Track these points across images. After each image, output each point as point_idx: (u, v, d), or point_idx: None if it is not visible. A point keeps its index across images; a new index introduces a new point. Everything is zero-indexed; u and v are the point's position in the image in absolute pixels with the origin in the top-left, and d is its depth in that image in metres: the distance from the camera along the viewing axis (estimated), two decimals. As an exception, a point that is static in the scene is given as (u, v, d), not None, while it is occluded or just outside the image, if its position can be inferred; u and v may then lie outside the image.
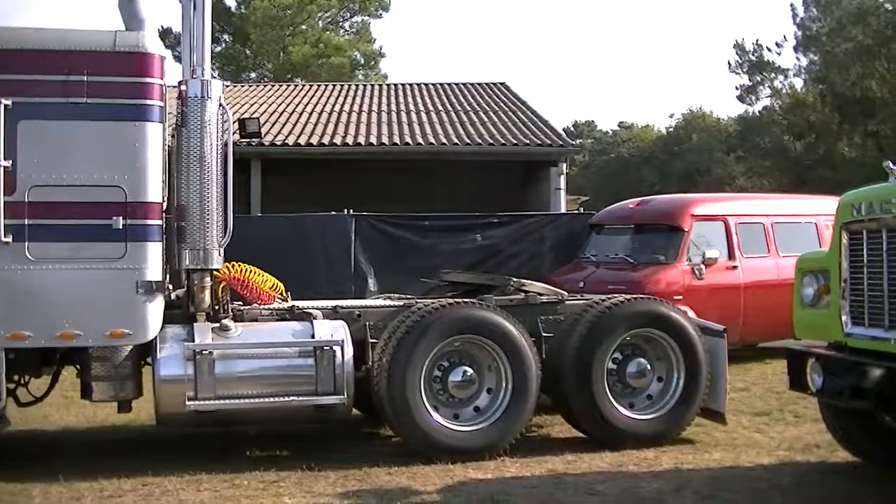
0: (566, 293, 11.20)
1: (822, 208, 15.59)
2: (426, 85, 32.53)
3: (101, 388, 9.62)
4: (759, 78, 68.32)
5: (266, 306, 10.36)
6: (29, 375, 9.89)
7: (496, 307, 10.31)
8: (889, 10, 51.43)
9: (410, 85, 32.68)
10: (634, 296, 10.97)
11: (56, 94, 9.14)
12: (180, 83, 10.10)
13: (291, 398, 9.67)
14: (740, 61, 69.50)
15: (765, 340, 15.76)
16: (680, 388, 10.52)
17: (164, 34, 45.02)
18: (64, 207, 9.11)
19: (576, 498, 8.52)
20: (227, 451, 10.31)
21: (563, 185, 24.37)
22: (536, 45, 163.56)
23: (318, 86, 34.91)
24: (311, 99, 30.72)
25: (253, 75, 57.85)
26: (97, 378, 9.56)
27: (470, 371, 10.08)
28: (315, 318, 10.06)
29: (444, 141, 24.13)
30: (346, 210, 18.62)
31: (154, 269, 9.35)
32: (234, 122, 14.50)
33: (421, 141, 24.09)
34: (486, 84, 32.53)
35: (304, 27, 57.32)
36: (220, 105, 10.03)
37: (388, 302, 11.11)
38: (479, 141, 24.15)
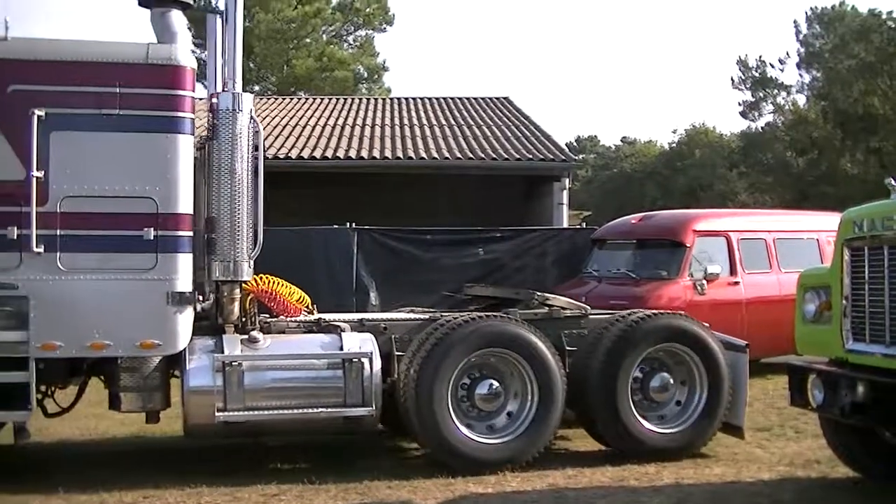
0: (589, 307, 11.30)
1: (823, 224, 15.61)
2: (429, 99, 32.55)
3: (130, 398, 9.69)
4: (761, 94, 68.54)
5: (293, 318, 10.43)
6: (57, 386, 9.93)
7: (523, 321, 10.38)
8: (892, 27, 51.59)
9: (414, 99, 32.70)
10: (659, 311, 11.07)
11: (89, 105, 9.22)
12: (211, 96, 10.22)
13: (320, 410, 9.75)
14: (743, 77, 69.75)
15: (766, 356, 15.73)
16: (702, 403, 10.60)
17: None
18: (95, 218, 9.17)
19: (577, 512, 8.53)
20: (229, 465, 10.30)
21: (565, 199, 24.36)
22: (540, 59, 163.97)
23: (322, 99, 34.95)
24: (314, 112, 30.74)
25: (256, 88, 57.90)
26: (126, 389, 9.63)
27: (496, 384, 10.13)
28: (343, 331, 10.13)
29: (447, 155, 24.13)
30: (348, 224, 18.63)
31: (184, 280, 9.42)
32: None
33: (424, 155, 24.09)
34: (490, 98, 32.54)
35: (307, 41, 57.41)
36: (251, 118, 10.13)
37: (412, 315, 11.21)
38: (482, 155, 24.15)
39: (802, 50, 67.75)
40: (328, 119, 28.98)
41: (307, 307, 10.66)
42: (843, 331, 8.38)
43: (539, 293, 11.37)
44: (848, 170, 49.71)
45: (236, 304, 10.08)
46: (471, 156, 24.13)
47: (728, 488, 9.33)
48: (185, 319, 9.44)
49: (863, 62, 50.78)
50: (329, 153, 23.82)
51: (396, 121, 28.72)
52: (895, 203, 8.21)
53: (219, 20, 10.45)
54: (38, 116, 8.98)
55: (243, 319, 10.13)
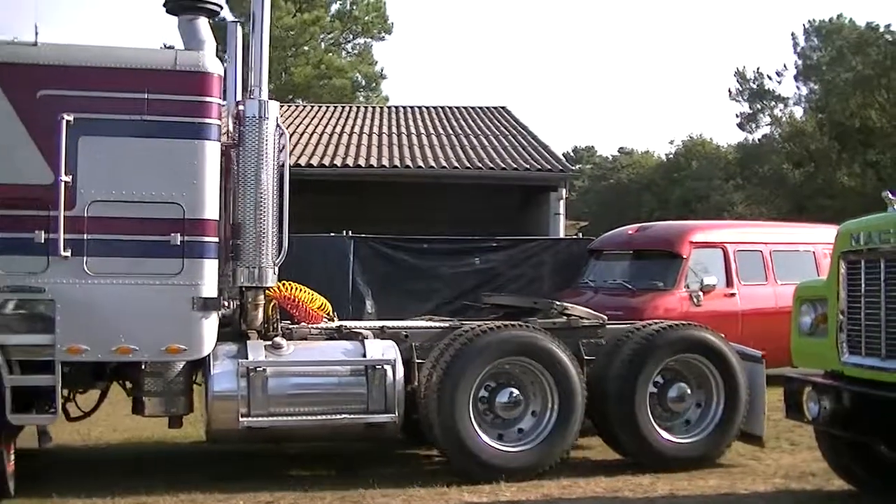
0: (606, 317, 11.37)
1: (820, 237, 15.63)
2: (427, 108, 32.56)
3: (154, 403, 9.77)
4: (759, 106, 68.66)
5: (314, 325, 10.50)
6: (81, 390, 9.95)
7: (543, 330, 10.44)
8: (889, 40, 51.69)
9: (411, 108, 32.70)
10: (677, 322, 11.15)
11: (117, 110, 9.29)
12: (238, 103, 10.31)
13: (343, 416, 9.85)
14: (741, 89, 69.87)
15: (762, 368, 15.75)
16: (720, 413, 10.70)
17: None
18: (122, 223, 9.23)
19: (570, 523, 8.53)
20: (223, 472, 10.30)
21: (562, 209, 24.35)
22: (538, 69, 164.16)
23: (320, 107, 34.94)
24: (311, 120, 30.72)
25: (254, 95, 57.94)
26: (149, 393, 9.71)
27: (516, 392, 10.21)
28: (366, 338, 10.20)
29: (444, 164, 24.13)
30: (345, 231, 18.62)
31: (210, 285, 9.48)
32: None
33: (421, 164, 24.08)
34: (487, 108, 32.54)
35: (306, 48, 57.41)
36: (277, 125, 10.20)
37: (432, 323, 11.30)
38: (479, 165, 24.14)
39: (800, 62, 67.87)
40: (326, 127, 28.96)
41: (328, 314, 10.75)
42: (838, 343, 8.38)
43: (558, 302, 11.48)
44: (845, 182, 49.76)
45: (260, 311, 10.19)
46: (468, 165, 24.13)
47: (722, 500, 9.33)
48: (210, 325, 9.50)
49: (860, 75, 50.88)
50: (326, 161, 23.81)
51: (394, 129, 28.71)
52: (892, 216, 8.21)
53: (239, 28, 10.51)
54: (67, 121, 9.04)
55: (266, 326, 10.22)
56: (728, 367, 10.67)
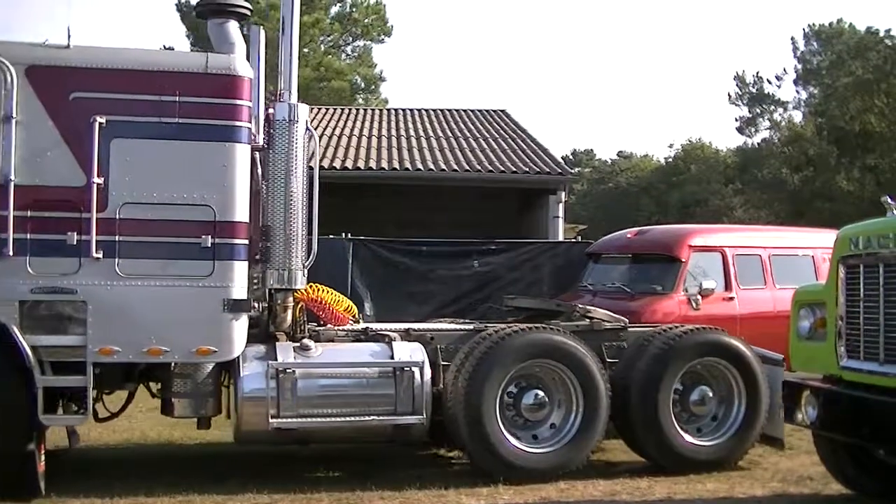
0: (627, 320, 11.50)
1: (819, 241, 15.59)
2: (426, 111, 32.52)
3: (183, 404, 9.85)
4: (758, 110, 68.75)
5: (341, 327, 10.59)
6: (107, 391, 9.98)
7: (569, 333, 10.51)
8: (889, 45, 51.67)
9: (411, 110, 32.67)
10: (699, 326, 11.23)
11: (149, 113, 9.35)
12: (268, 106, 10.36)
13: (371, 418, 9.95)
14: (740, 93, 70.02)
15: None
16: (741, 416, 10.78)
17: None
18: (154, 225, 9.29)
19: (568, 526, 8.53)
20: (222, 473, 10.30)
21: (561, 213, 24.37)
22: (537, 72, 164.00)
23: (319, 109, 34.94)
24: (311, 122, 30.71)
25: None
26: (179, 395, 9.78)
27: (541, 394, 10.30)
28: (393, 340, 10.27)
29: (444, 167, 24.13)
30: (344, 234, 18.61)
31: (240, 287, 9.54)
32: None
33: (420, 166, 24.08)
34: (486, 111, 32.52)
35: (305, 50, 57.39)
36: (307, 128, 10.30)
37: (456, 326, 11.37)
38: (479, 168, 24.15)
39: (800, 66, 68.02)
40: (325, 129, 28.95)
41: (353, 316, 10.86)
42: (837, 348, 8.40)
43: (580, 305, 11.57)
44: (844, 187, 49.74)
45: (289, 313, 10.28)
46: (467, 168, 24.13)
47: (720, 504, 9.35)
48: (240, 326, 9.56)
49: (860, 79, 50.86)
50: (325, 163, 23.77)
51: (393, 132, 28.71)
52: (891, 221, 8.23)
53: (262, 32, 10.56)
54: (100, 124, 9.11)
55: (294, 328, 10.31)
56: (749, 370, 10.76)
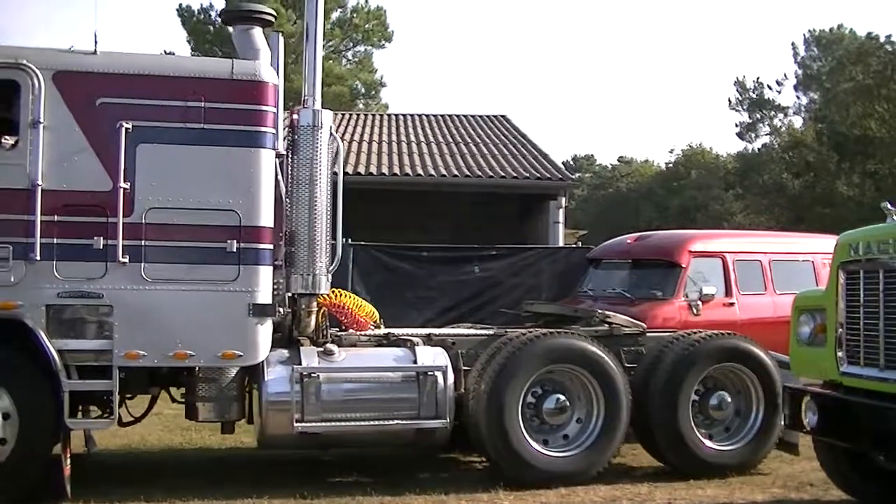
0: (645, 325, 11.59)
1: (819, 247, 15.56)
2: (427, 116, 32.53)
3: (207, 408, 9.89)
4: (758, 115, 68.78)
5: (363, 332, 10.65)
6: (129, 395, 10.01)
7: (589, 337, 10.57)
8: (889, 50, 51.68)
9: (411, 116, 32.68)
10: (717, 331, 11.29)
11: (175, 119, 9.42)
12: (292, 112, 10.45)
13: (395, 422, 9.99)
14: (741, 98, 70.10)
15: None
16: (759, 420, 10.87)
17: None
18: (180, 230, 9.36)
19: (569, 532, 8.53)
20: (221, 478, 10.31)
21: (561, 218, 24.37)
22: (538, 78, 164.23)
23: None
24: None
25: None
26: (203, 399, 9.82)
27: (563, 398, 10.36)
28: (416, 345, 10.31)
29: (444, 172, 24.14)
30: (344, 239, 18.58)
31: (265, 292, 9.59)
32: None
33: (421, 172, 24.10)
34: (487, 116, 32.53)
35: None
36: (331, 134, 10.39)
37: (476, 331, 11.42)
38: (479, 173, 24.15)
39: (800, 72, 68.15)
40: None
41: (375, 321, 10.90)
42: (837, 353, 8.40)
43: (599, 310, 11.66)
44: (844, 192, 49.74)
45: (313, 317, 10.34)
46: (468, 173, 24.14)
47: (720, 510, 9.35)
48: (265, 331, 9.62)
49: (860, 85, 50.85)
50: (326, 168, 23.81)
51: (394, 137, 28.72)
52: (891, 227, 8.23)
53: (280, 38, 10.61)
54: (126, 129, 9.19)
55: (317, 332, 10.35)
56: (768, 375, 10.84)
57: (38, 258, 8.94)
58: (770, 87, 69.32)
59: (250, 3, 10.48)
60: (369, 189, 24.07)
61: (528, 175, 24.17)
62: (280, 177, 10.25)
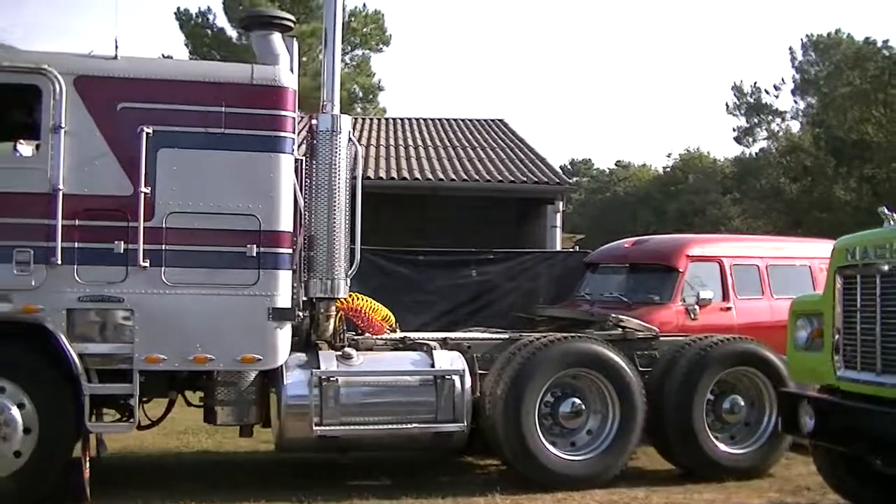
0: (657, 329, 11.69)
1: (816, 251, 15.56)
2: (424, 120, 32.51)
3: (226, 412, 9.96)
4: (756, 120, 68.77)
5: (379, 336, 10.73)
6: (145, 399, 10.01)
7: (605, 342, 10.66)
8: (886, 55, 51.72)
9: (409, 120, 32.67)
10: (730, 336, 11.41)
11: (195, 123, 9.47)
12: (311, 117, 10.54)
13: (412, 425, 10.07)
14: (738, 103, 70.09)
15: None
16: (772, 424, 10.91)
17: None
18: (200, 234, 9.41)
19: (565, 536, 8.53)
20: (220, 481, 10.33)
21: (559, 222, 24.36)
22: (535, 82, 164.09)
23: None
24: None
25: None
26: (222, 402, 9.89)
27: (578, 402, 10.45)
28: (433, 349, 10.36)
29: (441, 176, 24.13)
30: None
31: (284, 296, 9.63)
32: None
33: (418, 176, 24.09)
34: (485, 120, 32.50)
35: (304, 59, 57.46)
36: (350, 139, 10.43)
37: (491, 335, 11.47)
38: (477, 177, 24.15)
39: (797, 77, 68.14)
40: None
41: (391, 326, 10.99)
42: (834, 358, 8.40)
43: (613, 314, 11.74)
44: (841, 197, 49.78)
45: (331, 322, 10.40)
46: (465, 177, 24.13)
47: (717, 514, 9.34)
48: (284, 335, 9.66)
49: (857, 90, 50.89)
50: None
51: (391, 141, 28.69)
52: (888, 231, 8.24)
53: (296, 43, 10.65)
54: (147, 134, 9.23)
55: (334, 336, 10.41)
56: (781, 379, 10.85)
57: (59, 262, 8.98)
58: (767, 92, 69.33)
59: (267, 8, 10.49)
60: (367, 192, 23.95)
61: (525, 179, 24.16)
62: (295, 181, 10.27)
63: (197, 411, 10.47)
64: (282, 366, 9.72)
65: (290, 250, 9.75)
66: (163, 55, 42.10)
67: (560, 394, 10.47)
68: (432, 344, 10.51)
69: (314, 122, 10.42)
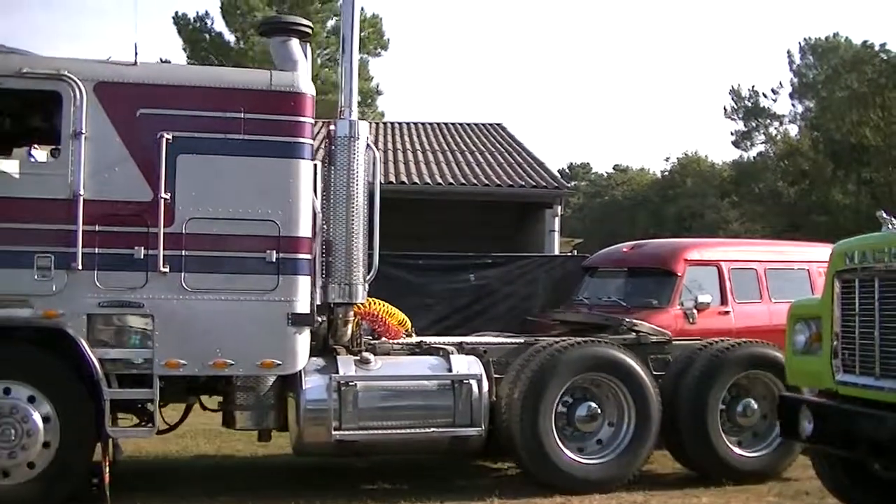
0: (670, 333, 11.76)
1: (815, 255, 15.55)
2: (423, 124, 32.52)
3: (245, 416, 9.98)
4: (754, 124, 68.80)
5: (396, 341, 10.73)
6: (162, 403, 9.96)
7: (620, 346, 10.72)
8: (884, 59, 51.81)
9: (407, 124, 32.66)
10: (744, 339, 11.50)
11: (214, 129, 9.50)
12: (328, 123, 10.57)
13: (430, 430, 10.09)
14: (736, 107, 70.11)
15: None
16: None
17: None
18: (219, 240, 9.44)
19: (564, 540, 8.53)
20: (219, 486, 10.31)
21: (557, 226, 24.37)
22: (533, 86, 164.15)
23: (315, 122, 34.93)
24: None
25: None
26: (241, 407, 9.90)
27: (594, 405, 10.51)
28: (450, 353, 10.38)
29: (440, 180, 24.15)
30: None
31: (303, 301, 9.64)
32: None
33: (416, 180, 24.10)
34: (483, 125, 32.51)
35: (303, 62, 57.42)
36: (367, 144, 10.45)
37: (507, 339, 11.49)
38: (475, 181, 24.17)
39: (795, 80, 68.17)
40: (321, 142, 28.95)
41: (407, 330, 10.96)
42: (833, 362, 8.38)
43: (627, 319, 11.77)
44: (840, 200, 49.86)
45: (349, 326, 10.40)
46: (463, 181, 24.15)
47: (716, 519, 9.34)
48: (303, 340, 9.68)
49: (855, 93, 51.00)
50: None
51: (389, 145, 28.69)
52: (886, 235, 8.22)
53: (309, 47, 10.66)
54: (166, 139, 9.25)
55: (352, 341, 10.42)
56: None
57: (79, 267, 9.01)
58: (765, 96, 69.37)
59: (286, 14, 10.51)
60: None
61: (523, 183, 24.18)
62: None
63: (198, 415, 10.46)
64: (301, 371, 9.73)
65: (309, 256, 9.76)
66: (161, 59, 42.20)
67: (576, 398, 10.53)
68: (449, 348, 10.53)
69: (332, 127, 10.45)
